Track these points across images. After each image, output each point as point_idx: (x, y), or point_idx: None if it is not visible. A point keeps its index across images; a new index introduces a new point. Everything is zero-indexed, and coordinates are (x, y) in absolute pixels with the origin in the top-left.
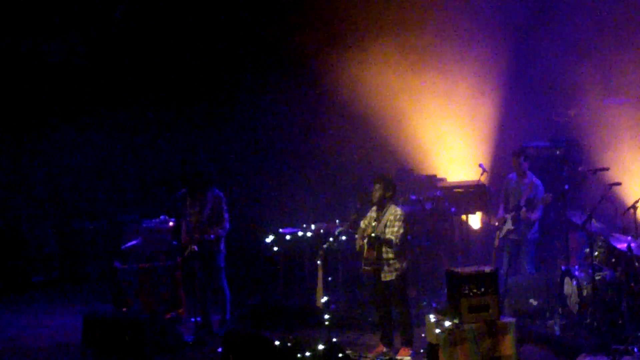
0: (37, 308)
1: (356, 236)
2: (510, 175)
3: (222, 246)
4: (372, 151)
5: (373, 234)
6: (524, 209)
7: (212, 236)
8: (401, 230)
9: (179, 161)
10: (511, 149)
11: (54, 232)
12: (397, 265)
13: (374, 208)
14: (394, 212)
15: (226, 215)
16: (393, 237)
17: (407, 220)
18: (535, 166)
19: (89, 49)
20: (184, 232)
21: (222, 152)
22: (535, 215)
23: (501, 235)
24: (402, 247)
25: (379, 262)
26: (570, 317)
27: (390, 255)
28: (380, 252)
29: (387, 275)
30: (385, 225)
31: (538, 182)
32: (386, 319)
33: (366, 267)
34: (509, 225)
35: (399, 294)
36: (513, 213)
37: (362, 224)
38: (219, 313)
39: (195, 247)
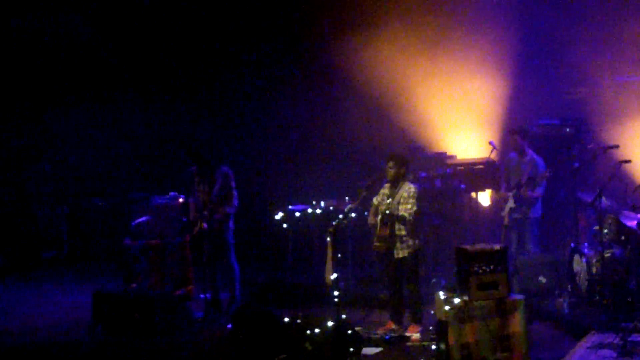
0: (47, 285)
1: (366, 213)
2: (511, 154)
3: (230, 223)
4: (382, 129)
5: (387, 211)
6: (524, 187)
7: (220, 215)
8: (414, 208)
9: (188, 138)
10: (518, 127)
11: (64, 209)
12: (410, 242)
13: (387, 185)
14: (408, 189)
15: (235, 193)
16: (406, 214)
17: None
18: (545, 144)
19: (99, 27)
20: (192, 209)
21: (233, 130)
22: (536, 193)
23: (503, 214)
24: (415, 224)
25: (391, 239)
26: (579, 295)
27: (403, 232)
28: (393, 229)
29: (400, 252)
30: (399, 202)
31: (539, 159)
32: (396, 296)
33: (378, 244)
34: (511, 204)
35: (411, 271)
36: (515, 191)
37: (375, 201)
38: (228, 290)
39: (205, 225)
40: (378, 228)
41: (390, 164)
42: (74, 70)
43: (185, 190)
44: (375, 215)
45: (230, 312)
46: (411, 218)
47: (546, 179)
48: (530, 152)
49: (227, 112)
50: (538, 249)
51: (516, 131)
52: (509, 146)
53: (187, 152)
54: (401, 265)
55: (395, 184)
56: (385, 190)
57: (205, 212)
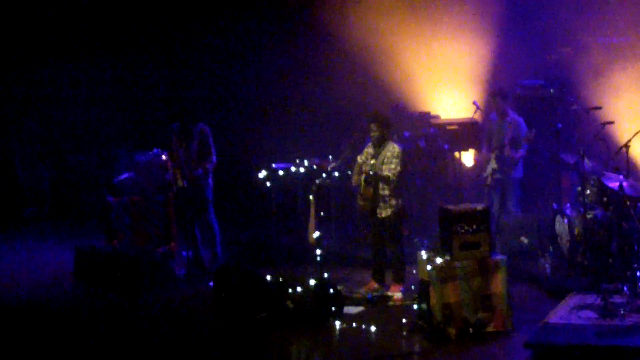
0: (28, 242)
1: (349, 172)
2: (491, 115)
3: (209, 180)
4: (365, 88)
5: (371, 171)
6: (507, 148)
7: (199, 171)
8: (398, 168)
9: (172, 95)
10: (498, 89)
11: (46, 165)
12: (393, 202)
13: (371, 144)
14: (392, 149)
15: (213, 150)
16: (390, 174)
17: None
18: (528, 105)
19: None
20: (170, 167)
21: (216, 87)
22: (519, 154)
23: (485, 175)
24: (399, 184)
25: (375, 199)
26: (561, 256)
27: (387, 192)
28: (376, 189)
29: (383, 212)
30: (383, 162)
31: (520, 119)
32: (379, 255)
33: (362, 203)
34: (493, 165)
35: (393, 230)
36: (497, 152)
37: (359, 159)
38: (209, 248)
39: (184, 183)
40: (362, 187)
41: (374, 126)
42: (56, 27)
43: (166, 147)
44: (360, 174)
45: (212, 270)
46: (395, 178)
47: (530, 140)
48: (511, 113)
49: (210, 69)
50: (520, 209)
51: (497, 93)
52: (491, 107)
53: (167, 110)
54: (384, 225)
55: (380, 144)
56: (370, 149)
57: (185, 170)
